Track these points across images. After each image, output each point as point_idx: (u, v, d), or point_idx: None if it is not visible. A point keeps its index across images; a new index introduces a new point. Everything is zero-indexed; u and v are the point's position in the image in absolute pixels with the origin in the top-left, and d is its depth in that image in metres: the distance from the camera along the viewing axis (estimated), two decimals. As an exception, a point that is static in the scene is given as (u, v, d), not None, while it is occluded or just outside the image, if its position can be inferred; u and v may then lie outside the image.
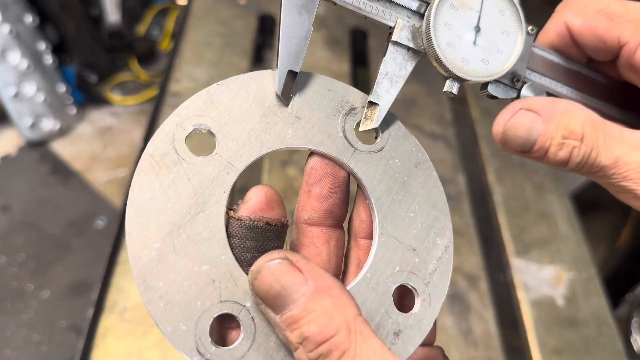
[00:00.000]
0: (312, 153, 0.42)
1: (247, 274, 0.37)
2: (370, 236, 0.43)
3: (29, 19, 2.06)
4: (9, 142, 2.16)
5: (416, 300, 0.41)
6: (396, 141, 0.43)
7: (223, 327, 0.37)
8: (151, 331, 0.89)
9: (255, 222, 0.38)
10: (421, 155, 0.44)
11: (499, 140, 0.42)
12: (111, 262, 0.96)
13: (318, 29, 1.47)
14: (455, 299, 1.01)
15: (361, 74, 1.52)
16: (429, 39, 0.40)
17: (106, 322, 0.89)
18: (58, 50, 2.25)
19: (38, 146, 2.15)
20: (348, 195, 0.43)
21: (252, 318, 0.36)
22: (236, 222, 0.38)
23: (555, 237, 1.12)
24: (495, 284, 1.08)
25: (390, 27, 0.42)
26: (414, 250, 0.41)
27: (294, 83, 0.41)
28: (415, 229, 0.42)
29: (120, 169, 2.12)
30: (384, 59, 0.42)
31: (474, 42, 0.41)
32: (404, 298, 0.42)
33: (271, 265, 0.34)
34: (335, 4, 0.40)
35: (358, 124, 0.43)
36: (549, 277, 1.06)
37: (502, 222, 1.14)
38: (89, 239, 1.90)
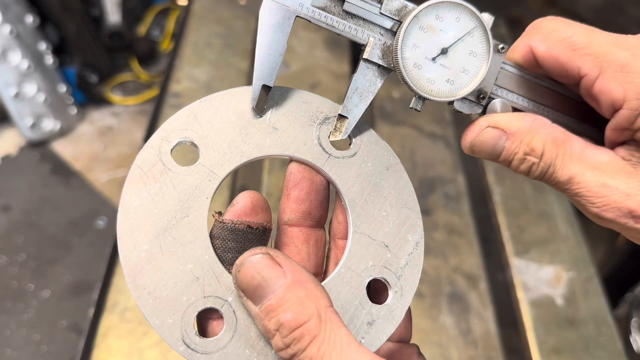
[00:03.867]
0: (291, 160, 0.45)
1: (229, 272, 0.40)
2: (346, 237, 0.45)
3: (29, 19, 2.07)
4: (10, 142, 2.16)
5: (389, 292, 0.43)
6: (368, 147, 0.46)
7: (206, 320, 0.40)
8: (151, 331, 0.89)
9: (237, 225, 0.41)
10: (392, 159, 0.46)
11: (467, 152, 0.46)
12: (112, 261, 0.96)
13: (318, 29, 1.47)
14: (455, 299, 1.01)
15: (361, 74, 1.53)
16: (396, 60, 0.42)
17: (107, 321, 0.90)
18: (59, 50, 2.25)
19: (39, 146, 2.16)
20: (327, 198, 0.46)
21: (234, 311, 0.39)
22: (219, 225, 0.41)
23: (554, 237, 1.13)
24: (495, 283, 1.08)
25: (363, 44, 0.43)
26: (387, 246, 0.44)
27: (269, 96, 0.43)
28: (387, 227, 0.44)
29: (120, 169, 2.12)
30: (355, 75, 0.44)
31: (440, 64, 0.43)
32: (378, 293, 0.44)
33: (253, 259, 0.37)
34: (310, 22, 0.42)
35: (332, 132, 0.46)
36: (549, 277, 1.06)
37: (501, 222, 1.14)
38: (90, 239, 1.91)
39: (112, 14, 2.34)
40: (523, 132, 0.43)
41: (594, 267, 1.09)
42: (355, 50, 1.49)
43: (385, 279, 0.43)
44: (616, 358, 0.97)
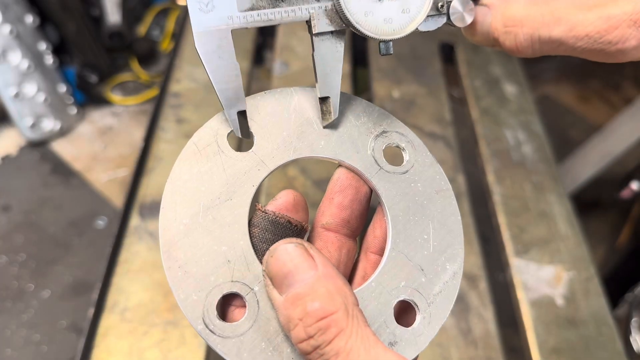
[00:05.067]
0: (340, 166, 0.45)
1: (260, 262, 0.40)
2: (380, 252, 0.44)
3: (29, 19, 2.07)
4: (10, 142, 2.16)
5: (417, 316, 0.42)
6: (421, 167, 0.46)
7: (228, 306, 0.40)
8: (151, 331, 0.89)
9: (278, 218, 0.42)
10: (444, 184, 0.46)
11: (465, 35, 0.45)
12: (112, 261, 0.96)
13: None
14: (455, 299, 1.01)
15: (361, 75, 1.53)
16: (346, 18, 0.40)
17: (107, 321, 0.90)
18: (58, 50, 2.25)
19: (39, 146, 2.16)
20: (367, 210, 0.46)
21: (257, 301, 0.39)
22: (261, 214, 0.42)
23: (554, 237, 1.13)
24: (495, 283, 1.08)
25: (307, 21, 0.42)
26: (422, 270, 0.43)
27: (246, 121, 0.43)
28: (426, 250, 0.43)
29: (120, 169, 2.12)
30: (314, 53, 0.42)
31: None
32: (405, 315, 0.43)
33: (288, 247, 0.37)
34: (247, 28, 0.41)
35: (387, 146, 0.46)
36: (549, 276, 1.06)
37: (501, 222, 1.14)
38: (90, 239, 1.91)
39: (112, 14, 2.34)
40: (500, 3, 0.41)
41: (594, 267, 1.09)
42: (356, 51, 1.49)
43: (415, 302, 0.42)
44: (616, 358, 0.97)
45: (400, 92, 1.37)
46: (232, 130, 0.42)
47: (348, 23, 0.41)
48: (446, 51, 1.53)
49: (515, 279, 1.05)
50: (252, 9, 0.40)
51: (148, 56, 2.49)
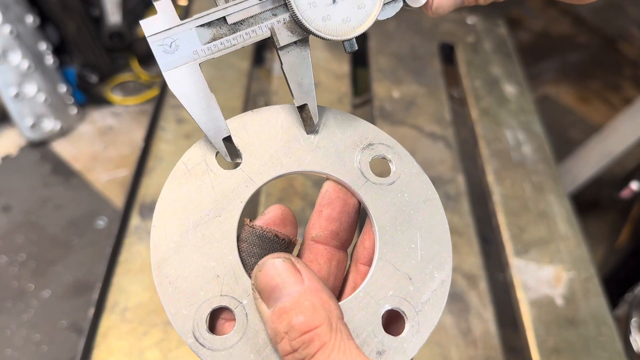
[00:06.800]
0: (327, 179, 0.46)
1: (249, 276, 0.40)
2: (370, 263, 0.45)
3: (29, 19, 2.07)
4: (10, 142, 2.16)
5: (405, 325, 0.42)
6: (408, 177, 0.46)
7: (218, 320, 0.41)
8: (152, 331, 0.89)
9: (265, 232, 0.42)
10: (431, 193, 0.46)
11: (426, 13, 0.46)
12: (112, 261, 0.96)
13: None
14: (455, 299, 1.01)
15: (361, 75, 1.53)
16: (305, 28, 0.41)
17: (107, 321, 0.90)
18: (59, 50, 2.25)
19: (39, 146, 2.16)
20: (356, 222, 0.46)
21: (246, 314, 0.40)
22: (249, 229, 0.42)
23: (554, 237, 1.13)
24: (495, 283, 1.08)
25: (270, 37, 0.43)
26: (410, 279, 0.43)
27: (235, 145, 0.44)
28: (414, 259, 0.44)
29: (120, 169, 2.12)
30: (283, 66, 0.43)
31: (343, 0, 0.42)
32: (394, 324, 0.43)
33: (276, 261, 0.38)
34: (213, 58, 0.42)
35: (374, 158, 0.46)
36: (549, 276, 1.06)
37: (501, 222, 1.14)
38: (90, 239, 1.91)
39: (112, 14, 2.34)
40: None
41: (594, 267, 1.09)
42: (356, 51, 1.49)
43: (403, 311, 0.42)
44: (616, 358, 0.97)
45: (400, 92, 1.37)
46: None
47: (308, 31, 0.42)
48: (446, 51, 1.53)
49: (515, 279, 1.05)
50: (214, 39, 0.41)
51: (148, 56, 2.49)
